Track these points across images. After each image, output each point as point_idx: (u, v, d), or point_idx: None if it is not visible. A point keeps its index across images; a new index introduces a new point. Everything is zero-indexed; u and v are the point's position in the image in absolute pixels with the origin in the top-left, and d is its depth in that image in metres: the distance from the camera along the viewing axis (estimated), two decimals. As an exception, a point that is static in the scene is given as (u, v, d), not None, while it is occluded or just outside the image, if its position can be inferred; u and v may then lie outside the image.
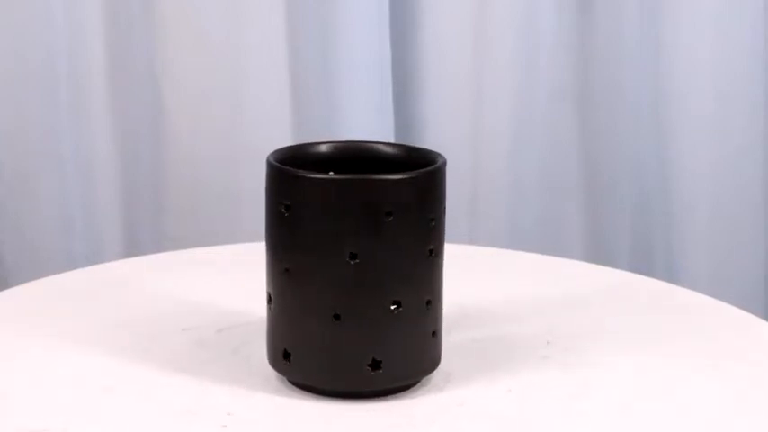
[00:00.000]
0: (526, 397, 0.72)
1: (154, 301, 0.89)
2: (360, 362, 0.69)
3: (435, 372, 0.74)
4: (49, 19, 1.26)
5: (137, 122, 1.33)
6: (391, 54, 1.37)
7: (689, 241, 1.48)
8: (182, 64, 1.31)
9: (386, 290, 0.69)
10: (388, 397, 0.71)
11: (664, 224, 1.49)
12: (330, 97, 1.36)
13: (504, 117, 1.43)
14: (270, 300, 0.72)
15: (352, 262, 0.68)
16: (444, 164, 0.71)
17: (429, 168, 0.70)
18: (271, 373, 0.74)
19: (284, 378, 0.73)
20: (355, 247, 0.67)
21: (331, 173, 0.70)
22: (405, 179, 0.68)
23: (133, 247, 1.34)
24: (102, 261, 1.22)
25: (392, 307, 0.69)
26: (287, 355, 0.71)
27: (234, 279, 0.94)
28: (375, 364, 0.69)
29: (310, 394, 0.71)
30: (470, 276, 0.93)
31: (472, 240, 1.41)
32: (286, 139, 1.30)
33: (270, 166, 0.70)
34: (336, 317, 0.68)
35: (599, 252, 1.49)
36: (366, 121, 1.36)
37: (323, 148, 0.76)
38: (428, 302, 0.71)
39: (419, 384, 0.73)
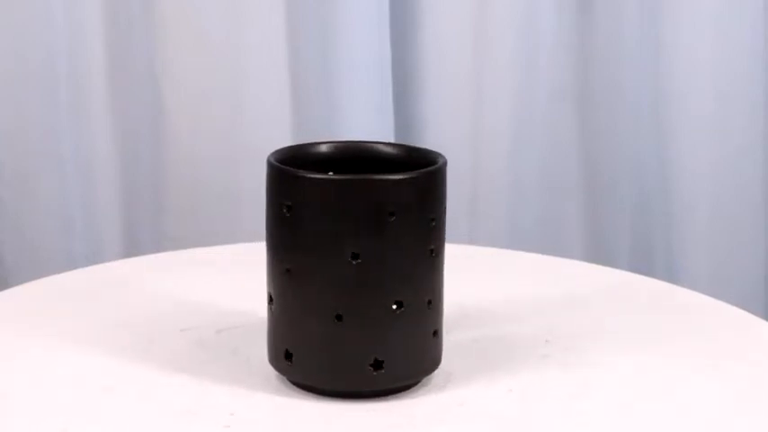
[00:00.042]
0: (526, 397, 0.72)
1: (154, 301, 0.89)
2: (362, 362, 0.69)
3: (436, 372, 0.74)
4: (49, 19, 1.26)
5: (137, 122, 1.33)
6: (391, 54, 1.37)
7: (689, 241, 1.48)
8: (182, 64, 1.31)
9: (388, 290, 0.69)
10: (389, 397, 0.71)
11: (664, 224, 1.49)
12: (330, 97, 1.36)
13: (504, 117, 1.43)
14: (271, 300, 0.72)
15: (353, 262, 0.68)
16: (445, 164, 0.71)
17: (430, 168, 0.70)
18: (271, 373, 0.74)
19: (284, 378, 0.73)
20: (357, 247, 0.67)
21: (330, 173, 0.70)
22: (407, 179, 0.68)
23: (133, 247, 1.34)
24: (102, 261, 1.22)
25: (394, 307, 0.69)
26: (288, 356, 0.71)
27: (234, 279, 0.94)
28: (377, 364, 0.69)
29: (311, 394, 0.71)
30: (470, 276, 0.93)
31: (472, 240, 1.41)
32: (286, 139, 1.30)
33: (271, 166, 0.70)
34: (338, 317, 0.68)
35: (599, 252, 1.49)
36: (366, 121, 1.36)
37: (323, 149, 0.76)
38: (429, 302, 0.71)
39: (420, 384, 0.73)
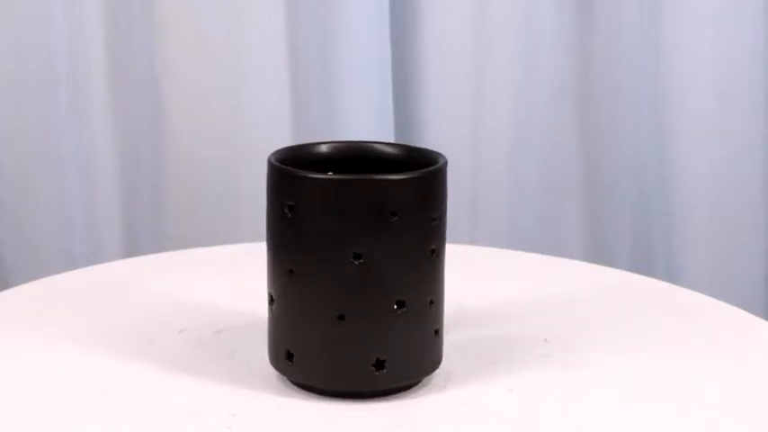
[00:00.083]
0: (527, 397, 0.72)
1: (154, 301, 0.89)
2: (364, 362, 0.69)
3: (436, 371, 0.74)
4: (49, 19, 1.26)
5: (137, 122, 1.33)
6: (391, 54, 1.37)
7: (689, 241, 1.48)
8: (182, 64, 1.31)
9: (390, 290, 0.69)
10: (390, 397, 0.71)
11: (664, 224, 1.49)
12: (330, 97, 1.36)
13: (504, 117, 1.43)
14: (271, 300, 0.72)
15: (356, 262, 0.68)
16: (446, 164, 0.71)
17: (432, 168, 0.70)
18: (271, 373, 0.74)
19: (285, 378, 0.73)
20: (359, 247, 0.67)
21: (330, 173, 0.70)
22: (409, 179, 0.68)
23: (133, 247, 1.34)
24: (102, 261, 1.22)
25: (395, 307, 0.69)
26: (289, 356, 0.71)
27: (234, 279, 0.94)
28: (379, 364, 0.69)
29: (312, 394, 0.71)
30: (470, 276, 0.93)
31: (472, 240, 1.41)
32: (286, 139, 1.30)
33: (273, 166, 0.70)
34: (340, 317, 0.68)
35: (599, 252, 1.49)
36: (366, 121, 1.36)
37: (323, 149, 0.76)
38: (431, 302, 0.71)
39: (420, 384, 0.73)
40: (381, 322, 0.69)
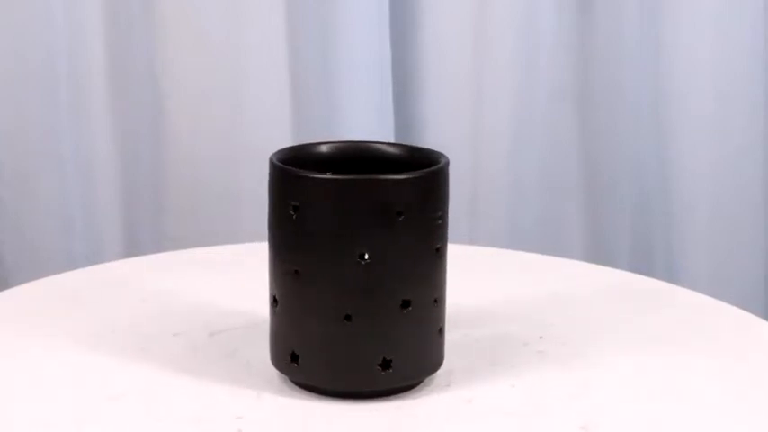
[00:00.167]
0: (531, 394, 0.72)
1: (154, 301, 0.89)
2: (370, 362, 0.69)
3: (437, 371, 0.74)
4: (49, 19, 1.26)
5: (137, 122, 1.33)
6: (391, 54, 1.37)
7: (689, 241, 1.48)
8: (182, 64, 1.31)
9: (396, 289, 0.69)
10: (394, 396, 0.71)
11: (664, 224, 1.49)
12: (330, 97, 1.35)
13: (504, 117, 1.43)
14: (275, 302, 0.71)
15: (362, 262, 0.68)
16: (448, 163, 0.71)
17: (436, 167, 0.70)
18: (273, 374, 0.74)
19: (286, 379, 0.73)
20: (365, 247, 0.67)
21: (328, 173, 0.70)
22: (414, 178, 0.68)
23: (133, 247, 1.34)
24: (102, 261, 1.22)
25: (401, 306, 0.69)
26: (294, 357, 0.71)
27: (234, 279, 0.94)
28: (385, 364, 0.69)
29: (314, 395, 0.71)
30: (470, 276, 0.93)
31: (472, 240, 1.41)
32: (286, 139, 1.30)
33: (276, 167, 0.70)
34: (347, 317, 0.68)
35: (599, 252, 1.49)
36: (366, 121, 1.36)
37: (324, 149, 0.76)
38: (435, 300, 0.71)
39: (422, 384, 0.73)
40: (388, 322, 0.69)
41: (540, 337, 0.82)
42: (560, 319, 0.86)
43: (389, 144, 0.77)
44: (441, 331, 0.73)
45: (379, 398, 0.71)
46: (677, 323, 0.87)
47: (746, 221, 1.50)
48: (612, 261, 1.44)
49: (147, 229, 1.35)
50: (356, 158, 0.76)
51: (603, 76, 1.44)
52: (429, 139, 1.38)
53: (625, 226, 1.49)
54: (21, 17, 1.25)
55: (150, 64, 1.30)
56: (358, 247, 0.67)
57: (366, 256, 0.68)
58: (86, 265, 1.05)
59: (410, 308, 0.69)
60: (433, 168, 0.70)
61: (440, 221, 0.70)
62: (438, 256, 0.71)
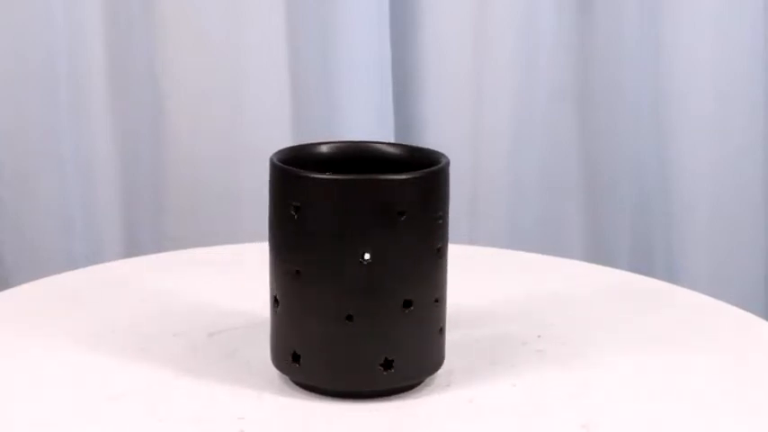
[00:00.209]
0: (532, 393, 0.72)
1: (154, 301, 0.89)
2: (372, 362, 0.69)
3: (438, 371, 0.74)
4: (49, 19, 1.26)
5: (137, 122, 1.33)
6: (391, 54, 1.37)
7: (689, 241, 1.48)
8: (182, 64, 1.31)
9: (398, 289, 0.69)
10: (395, 396, 0.71)
11: (664, 224, 1.49)
12: (330, 97, 1.35)
13: (504, 117, 1.43)
14: (276, 302, 0.71)
15: (364, 262, 0.68)
16: (448, 163, 0.71)
17: (437, 167, 0.70)
18: (273, 374, 0.74)
19: (287, 379, 0.73)
20: (367, 247, 0.67)
21: (328, 173, 0.70)
22: (416, 178, 0.68)
23: (133, 247, 1.34)
24: (102, 261, 1.22)
25: (403, 306, 0.69)
26: (296, 358, 0.70)
27: (234, 279, 0.94)
28: (387, 364, 0.69)
29: (315, 395, 0.71)
30: (470, 276, 0.93)
31: (472, 240, 1.41)
32: (286, 139, 1.30)
33: (277, 167, 0.70)
34: (349, 317, 0.68)
35: (599, 252, 1.49)
36: (366, 121, 1.36)
37: (325, 149, 0.76)
38: (436, 300, 0.71)
39: (423, 384, 0.73)
40: (389, 322, 0.69)
41: (539, 336, 0.82)
42: (560, 318, 0.86)
43: (390, 144, 0.77)
44: (441, 331, 0.73)
45: (379, 398, 0.71)
46: (677, 323, 0.87)
47: (746, 221, 1.50)
48: (612, 261, 1.44)
49: (147, 229, 1.35)
50: (356, 158, 0.76)
51: (603, 76, 1.44)
52: (429, 139, 1.38)
53: (625, 226, 1.49)
54: (21, 17, 1.25)
55: (150, 64, 1.30)
56: (360, 247, 0.67)
57: (368, 257, 0.68)
58: (86, 265, 1.05)
59: (411, 308, 0.69)
60: (434, 168, 0.70)
61: (441, 221, 0.70)
62: (439, 255, 0.71)
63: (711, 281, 1.47)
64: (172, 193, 1.33)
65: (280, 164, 0.70)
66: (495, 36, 1.40)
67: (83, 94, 1.30)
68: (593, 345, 0.81)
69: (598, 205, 1.49)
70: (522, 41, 1.41)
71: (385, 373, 0.69)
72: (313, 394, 0.71)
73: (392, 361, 0.69)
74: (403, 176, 0.68)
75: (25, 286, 0.93)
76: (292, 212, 0.68)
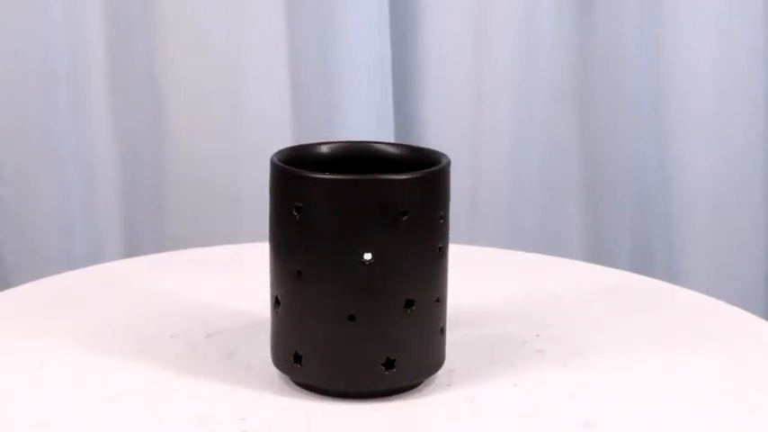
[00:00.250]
0: (533, 393, 0.72)
1: (154, 301, 0.89)
2: (374, 362, 0.69)
3: (438, 370, 0.74)
4: (49, 19, 1.26)
5: (137, 122, 1.33)
6: (391, 54, 1.37)
7: (689, 241, 1.48)
8: (182, 64, 1.31)
9: (400, 289, 0.69)
10: (397, 396, 0.71)
11: (664, 224, 1.49)
12: (330, 97, 1.36)
13: (504, 117, 1.43)
14: (276, 302, 0.71)
15: (366, 262, 0.68)
16: (449, 163, 0.71)
17: (439, 167, 0.70)
18: (274, 375, 0.74)
19: (287, 379, 0.73)
20: (370, 247, 0.67)
21: (327, 173, 0.70)
22: (417, 178, 0.68)
23: (133, 247, 1.34)
24: (102, 261, 1.22)
25: (405, 306, 0.69)
26: (297, 358, 0.70)
27: (234, 279, 0.94)
28: (389, 364, 0.69)
29: (316, 395, 0.71)
30: (470, 276, 0.93)
31: (472, 240, 1.41)
32: (286, 139, 1.30)
33: (279, 167, 0.70)
34: (351, 317, 0.68)
35: (599, 252, 1.49)
36: (366, 121, 1.36)
37: (325, 149, 0.76)
38: (437, 300, 0.71)
39: (423, 384, 0.73)
40: (391, 322, 0.69)
41: (537, 336, 0.82)
42: (560, 318, 0.86)
43: (390, 144, 0.77)
44: (442, 331, 0.73)
45: (380, 398, 0.71)
46: (677, 323, 0.87)
47: (746, 221, 1.50)
48: (612, 261, 1.44)
49: (147, 229, 1.35)
50: (357, 158, 0.76)
51: (603, 76, 1.44)
52: (429, 139, 1.38)
53: (625, 226, 1.49)
54: (21, 17, 1.25)
55: (150, 64, 1.30)
56: (361, 247, 0.67)
57: (369, 257, 0.68)
58: (86, 265, 1.05)
59: (413, 307, 0.69)
60: (435, 168, 0.70)
61: (442, 221, 0.70)
62: (440, 255, 0.71)
63: (711, 281, 1.47)
64: (172, 193, 1.33)
65: (282, 164, 0.70)
66: (495, 36, 1.40)
67: (83, 94, 1.30)
68: (593, 345, 0.81)
69: (598, 205, 1.49)
70: (522, 41, 1.41)
71: (387, 372, 0.69)
72: (314, 394, 0.71)
73: (394, 361, 0.69)
74: (405, 176, 0.68)
75: (25, 286, 0.93)
76: (294, 213, 0.68)
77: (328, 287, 0.68)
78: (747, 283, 1.51)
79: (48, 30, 1.26)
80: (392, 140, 1.37)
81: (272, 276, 0.72)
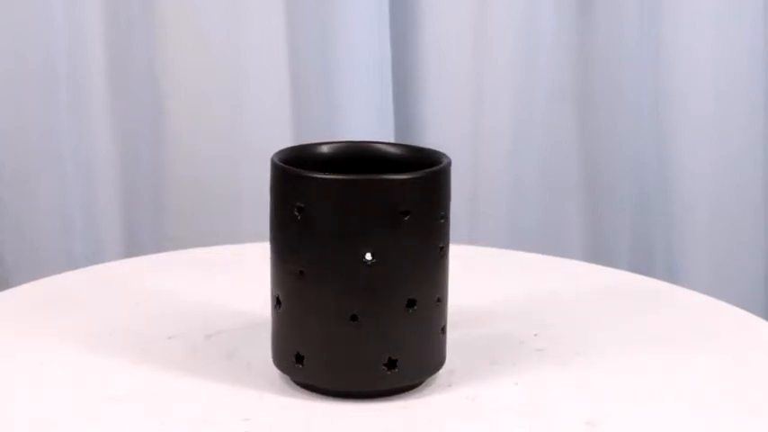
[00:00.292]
0: (534, 392, 0.72)
1: (154, 301, 0.89)
2: (376, 362, 0.69)
3: (439, 370, 0.74)
4: (49, 19, 1.26)
5: (137, 122, 1.33)
6: (391, 54, 1.37)
7: (689, 241, 1.48)
8: (182, 64, 1.31)
9: (402, 289, 0.69)
10: (398, 396, 0.71)
11: (664, 224, 1.49)
12: (330, 97, 1.36)
13: (504, 117, 1.43)
14: (278, 303, 0.71)
15: (368, 262, 0.68)
16: (450, 162, 0.71)
17: (440, 166, 0.70)
18: (275, 375, 0.74)
19: (288, 379, 0.73)
20: (372, 246, 0.67)
21: (333, 173, 0.70)
22: (419, 178, 0.68)
23: (133, 247, 1.34)
24: (102, 261, 1.22)
25: (407, 306, 0.69)
26: (299, 358, 0.70)
27: (234, 279, 0.94)
28: (391, 364, 0.69)
29: (317, 395, 0.71)
30: (470, 276, 0.93)
31: (472, 240, 1.41)
32: (286, 139, 1.30)
33: (281, 168, 0.70)
34: (353, 318, 0.68)
35: (599, 252, 1.49)
36: (366, 121, 1.36)
37: (326, 149, 0.76)
38: (438, 299, 0.71)
39: (424, 384, 0.73)
40: (393, 322, 0.69)
41: (537, 335, 0.82)
42: (560, 318, 0.86)
43: (391, 144, 0.77)
44: (443, 330, 0.73)
45: (382, 398, 0.71)
46: (677, 323, 0.87)
47: (746, 221, 1.50)
48: (612, 261, 1.44)
49: (147, 229, 1.35)
50: (357, 158, 0.76)
51: (603, 76, 1.44)
52: (429, 139, 1.38)
53: (625, 226, 1.49)
54: (21, 17, 1.25)
55: (150, 64, 1.30)
56: (364, 247, 0.67)
57: (372, 256, 0.68)
58: (86, 265, 1.05)
59: (415, 307, 0.69)
60: (437, 168, 0.70)
61: (443, 220, 0.71)
62: (441, 255, 0.71)
63: (711, 281, 1.47)
64: (172, 193, 1.33)
65: (283, 164, 0.70)
66: (495, 36, 1.40)
67: (83, 94, 1.30)
68: (593, 344, 0.81)
69: (598, 205, 1.49)
70: (522, 41, 1.41)
71: (389, 372, 0.69)
72: (314, 394, 0.71)
73: (396, 360, 0.69)
74: (407, 176, 0.68)
75: (25, 286, 0.93)
76: (295, 213, 0.68)
77: (330, 287, 0.68)
78: (747, 283, 1.51)
79: (48, 30, 1.26)
80: (392, 140, 1.37)
81: (272, 277, 0.72)
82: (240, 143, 1.33)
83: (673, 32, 1.43)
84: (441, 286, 0.71)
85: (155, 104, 1.31)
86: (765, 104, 1.47)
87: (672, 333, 0.84)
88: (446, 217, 0.71)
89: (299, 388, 0.72)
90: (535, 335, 0.83)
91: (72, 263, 1.27)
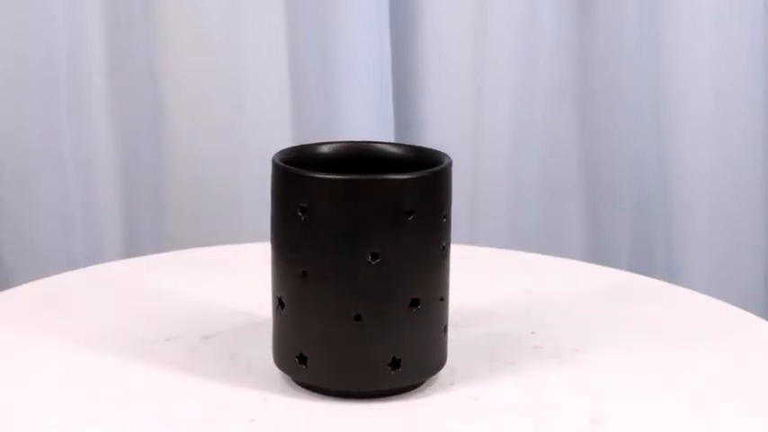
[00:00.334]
0: (535, 391, 0.72)
1: (154, 301, 0.89)
2: (380, 361, 0.69)
3: (441, 369, 0.74)
4: (49, 19, 1.26)
5: (137, 122, 1.33)
6: (391, 54, 1.37)
7: (689, 241, 1.48)
8: (182, 64, 1.31)
9: (406, 288, 0.69)
10: (400, 396, 0.71)
11: (664, 224, 1.49)
12: (330, 97, 1.36)
13: (504, 117, 1.43)
14: (280, 304, 0.71)
15: (372, 262, 0.68)
16: (451, 162, 0.72)
17: (442, 166, 0.70)
18: (276, 376, 0.74)
19: (289, 379, 0.73)
20: (376, 246, 0.67)
21: (333, 173, 0.70)
22: (422, 178, 0.68)
23: (133, 247, 1.34)
24: (102, 261, 1.22)
25: (411, 305, 0.69)
26: (302, 359, 0.70)
27: (234, 279, 0.94)
28: (394, 363, 0.69)
29: (320, 395, 0.71)
30: (470, 276, 0.93)
31: (472, 240, 1.41)
32: (286, 139, 1.30)
33: (283, 168, 0.69)
34: (357, 317, 0.68)
35: (599, 252, 1.49)
36: (366, 121, 1.36)
37: (327, 149, 0.76)
38: (441, 299, 0.71)
39: (426, 383, 0.73)
40: (397, 321, 0.69)
41: (535, 334, 0.82)
42: (560, 318, 0.87)
43: (391, 144, 0.77)
44: (446, 329, 0.73)
45: (384, 397, 0.71)
46: (677, 323, 0.87)
47: (746, 221, 1.50)
48: (612, 261, 1.44)
49: (147, 229, 1.35)
50: (358, 159, 0.76)
51: (603, 76, 1.44)
52: (429, 139, 1.38)
53: (625, 226, 1.49)
54: (21, 17, 1.25)
55: (150, 64, 1.30)
56: (367, 246, 0.67)
57: (375, 256, 0.68)
58: (86, 265, 1.05)
59: (419, 306, 0.69)
60: (439, 167, 0.70)
61: (445, 220, 0.71)
62: (444, 254, 0.71)
63: (711, 281, 1.47)
64: (172, 193, 1.33)
65: (285, 165, 0.70)
66: (495, 36, 1.40)
67: (83, 94, 1.30)
68: (593, 344, 0.81)
69: (598, 205, 1.49)
70: (522, 41, 1.41)
71: (392, 372, 0.69)
72: (317, 394, 0.71)
73: (400, 360, 0.69)
74: (410, 176, 0.68)
75: (25, 286, 0.93)
76: (298, 213, 0.68)
77: (334, 287, 0.68)
78: (747, 283, 1.51)
79: (48, 30, 1.26)
80: (392, 140, 1.37)
81: (274, 277, 0.71)
82: (240, 143, 1.33)
83: (673, 32, 1.43)
84: (443, 285, 0.72)
85: (155, 104, 1.31)
86: (765, 104, 1.47)
87: (672, 333, 0.84)
88: (448, 216, 0.71)
89: (300, 388, 0.72)
90: (533, 333, 0.83)
91: (72, 263, 1.27)
